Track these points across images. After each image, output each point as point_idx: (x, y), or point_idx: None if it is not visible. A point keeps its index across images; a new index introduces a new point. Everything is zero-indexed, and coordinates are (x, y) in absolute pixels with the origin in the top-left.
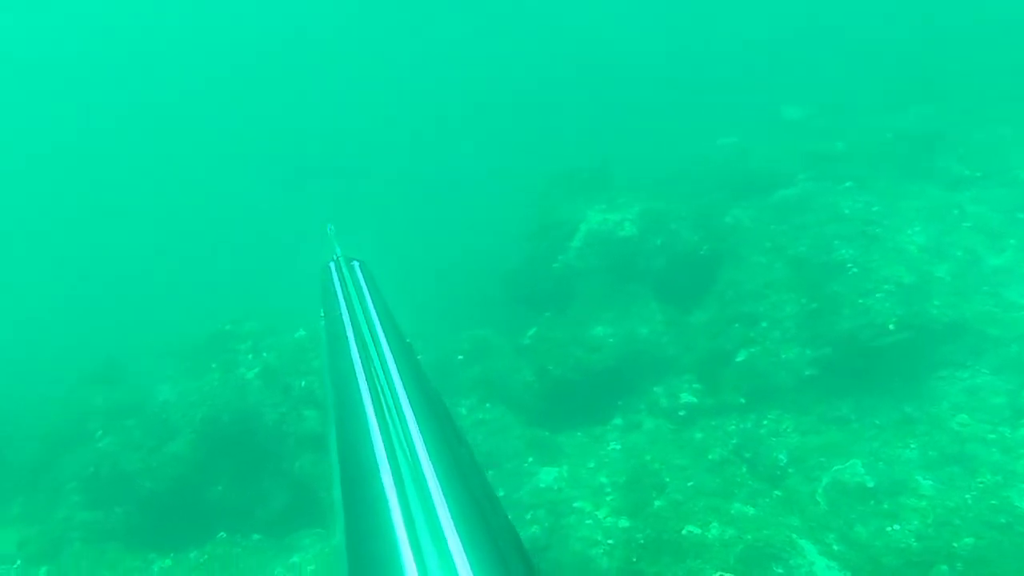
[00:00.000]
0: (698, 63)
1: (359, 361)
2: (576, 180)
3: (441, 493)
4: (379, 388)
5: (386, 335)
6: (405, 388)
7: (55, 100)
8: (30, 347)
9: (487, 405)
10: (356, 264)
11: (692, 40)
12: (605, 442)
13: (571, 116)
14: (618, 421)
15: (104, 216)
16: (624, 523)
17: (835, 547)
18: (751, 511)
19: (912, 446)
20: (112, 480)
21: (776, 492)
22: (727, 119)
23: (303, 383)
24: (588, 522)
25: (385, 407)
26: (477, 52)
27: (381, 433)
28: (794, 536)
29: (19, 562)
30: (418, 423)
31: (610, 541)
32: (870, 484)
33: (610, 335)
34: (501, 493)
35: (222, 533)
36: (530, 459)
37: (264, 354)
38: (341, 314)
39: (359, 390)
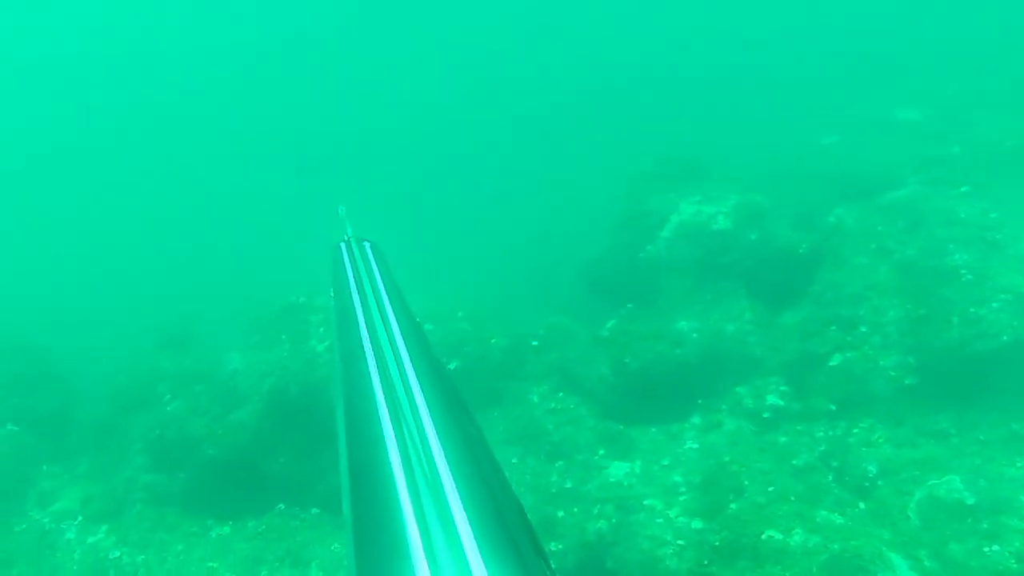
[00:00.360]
0: (801, 60)
1: (367, 339)
2: (667, 171)
3: (450, 473)
4: (387, 366)
5: (396, 314)
6: (414, 366)
7: (81, 95)
8: (107, 311)
9: (560, 394)
10: (367, 244)
11: (795, 36)
12: (681, 440)
13: (659, 109)
14: (696, 420)
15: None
16: (697, 524)
17: (927, 564)
18: (839, 520)
19: (1019, 464)
20: (177, 444)
21: (862, 504)
22: (830, 118)
23: None
24: (658, 521)
25: (393, 385)
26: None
27: (389, 412)
28: (884, 549)
29: (80, 519)
30: (427, 402)
31: (680, 542)
32: (969, 501)
33: (694, 331)
34: (568, 484)
35: (281, 505)
36: (601, 452)
37: None
38: (351, 293)
39: (367, 368)
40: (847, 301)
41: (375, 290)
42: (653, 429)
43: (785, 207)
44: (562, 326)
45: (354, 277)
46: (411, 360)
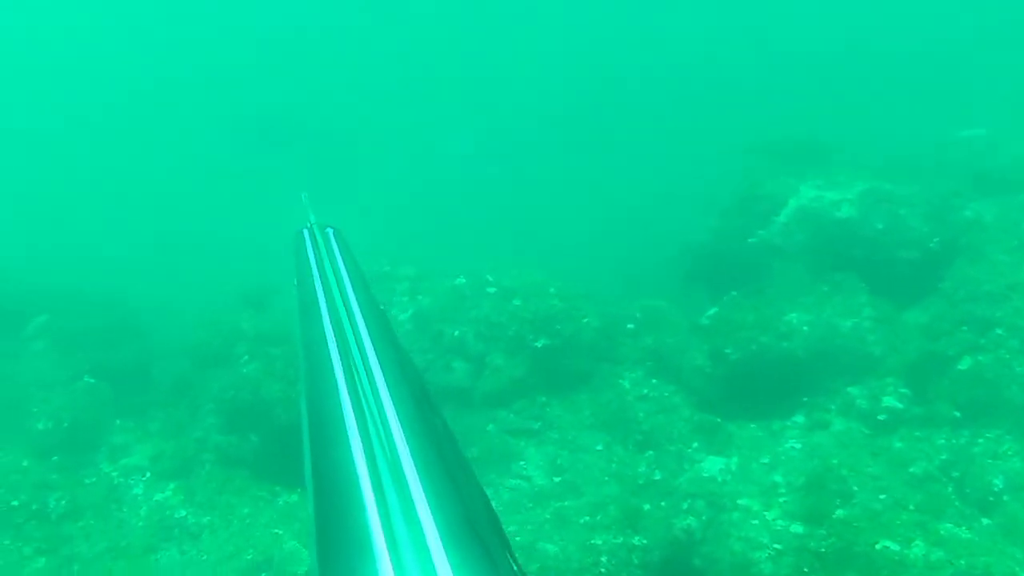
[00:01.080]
0: (949, 45)
1: (330, 327)
2: (786, 152)
3: (415, 469)
4: (352, 356)
5: (359, 301)
6: (379, 357)
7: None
8: (189, 271)
9: (654, 381)
10: (330, 231)
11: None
12: (783, 438)
13: (772, 87)
14: (800, 418)
15: None
16: (797, 528)
17: None
18: (965, 534)
19: None
20: (250, 407)
21: (985, 519)
22: (973, 108)
23: (456, 332)
24: (754, 522)
25: (357, 377)
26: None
27: (352, 401)
28: (1019, 571)
29: (149, 475)
30: (391, 395)
31: (777, 546)
32: None
33: (805, 324)
34: (657, 476)
35: None
36: (695, 444)
37: (420, 297)
38: (313, 280)
39: (330, 359)
40: (983, 300)
41: (338, 277)
42: (752, 425)
43: (916, 198)
44: (660, 310)
45: (316, 264)
46: (375, 350)
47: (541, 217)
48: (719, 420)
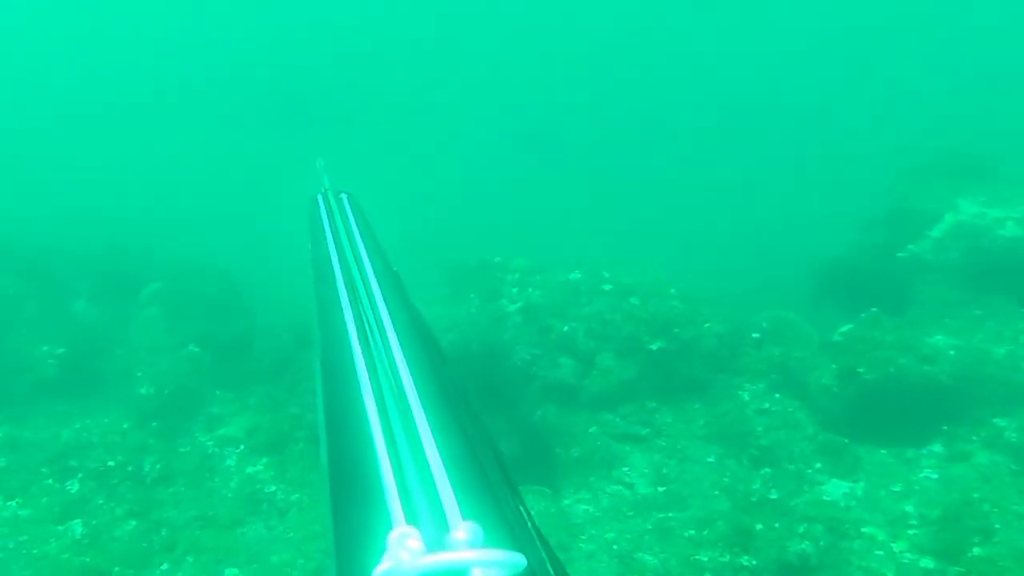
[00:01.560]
0: None
1: (343, 286)
2: (945, 165)
3: (425, 417)
4: (363, 312)
5: (371, 261)
6: (390, 313)
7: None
8: (298, 248)
9: (776, 395)
10: (344, 196)
11: None
12: (918, 467)
13: (925, 98)
14: (938, 448)
15: None
16: (928, 563)
17: None
18: None
19: None
20: None
21: None
22: None
23: (566, 328)
24: (878, 552)
25: (369, 333)
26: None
27: (363, 354)
28: None
29: (243, 448)
30: (402, 347)
31: None
32: None
33: (952, 348)
34: (773, 495)
35: None
36: (817, 465)
37: (530, 290)
38: (327, 242)
39: (343, 314)
40: None
41: (351, 239)
42: (883, 451)
43: None
44: (789, 321)
45: (330, 227)
46: (387, 307)
47: (664, 216)
48: (846, 442)
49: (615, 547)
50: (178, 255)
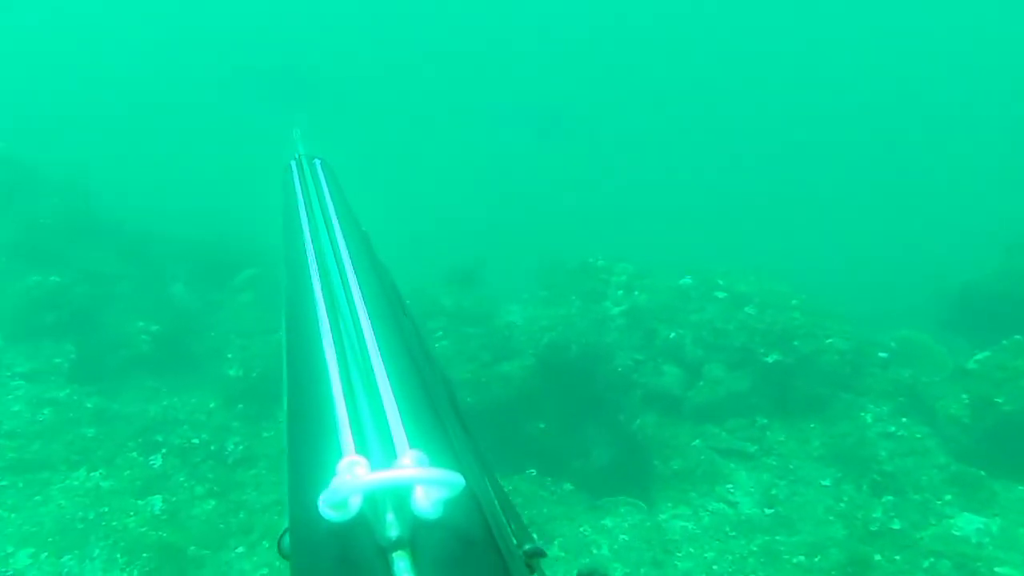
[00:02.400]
0: None
1: (311, 243)
2: None
3: (379, 353)
4: (327, 265)
5: (340, 220)
6: (354, 266)
7: None
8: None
9: (903, 419)
10: (317, 161)
11: None
12: None
13: None
14: None
15: None
16: None
17: None
18: None
19: None
20: None
21: None
22: None
23: (673, 334)
24: None
25: (332, 282)
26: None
27: (326, 300)
28: None
29: None
30: (363, 293)
31: None
32: None
33: None
34: (896, 525)
35: (532, 470)
36: (948, 497)
37: (636, 293)
38: (297, 201)
39: (308, 268)
40: None
41: (320, 197)
42: (1021, 487)
43: None
44: (921, 343)
45: (301, 187)
46: (352, 259)
47: (784, 224)
48: (982, 474)
49: (715, 567)
50: (274, 244)
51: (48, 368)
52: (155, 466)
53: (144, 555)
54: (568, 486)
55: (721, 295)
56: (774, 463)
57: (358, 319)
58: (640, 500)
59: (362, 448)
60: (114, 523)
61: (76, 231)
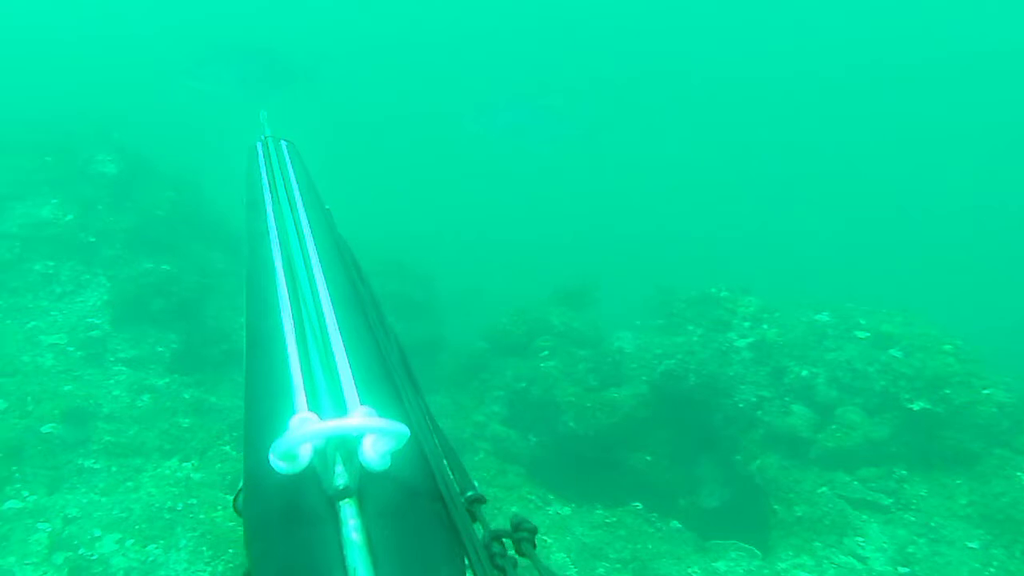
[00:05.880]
0: None
1: (273, 218)
2: None
3: (335, 321)
4: (288, 239)
5: (302, 194)
6: (315, 240)
7: None
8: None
9: None
10: (283, 143)
11: None
12: None
13: None
14: None
15: None
16: None
17: None
18: None
19: None
20: (539, 405)
21: None
22: None
23: (804, 372)
24: None
25: (292, 255)
26: None
27: (284, 268)
28: None
29: None
30: (321, 262)
31: None
32: None
33: None
34: None
35: (638, 504)
36: None
37: (765, 327)
38: (262, 180)
39: (268, 232)
40: None
41: (284, 175)
42: None
43: None
44: None
45: (266, 167)
46: (312, 230)
47: (933, 260)
48: None
49: None
50: (384, 254)
51: (150, 356)
52: None
53: (230, 550)
54: (675, 524)
55: (862, 335)
56: (912, 519)
57: (316, 287)
58: (754, 546)
59: (315, 405)
60: (202, 516)
61: (188, 225)
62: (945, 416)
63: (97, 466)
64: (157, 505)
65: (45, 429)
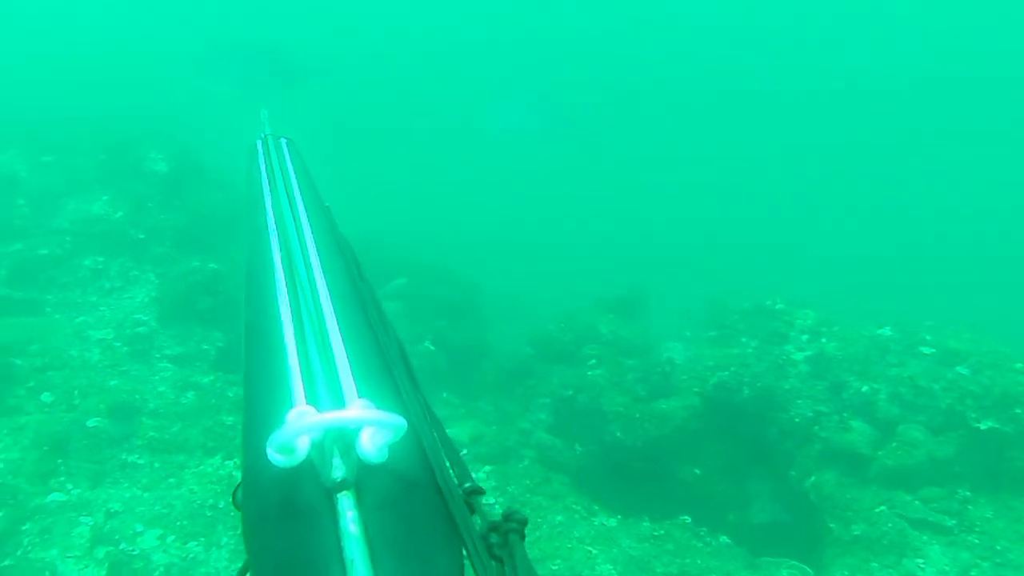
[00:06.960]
0: None
1: (272, 214)
2: None
3: (334, 316)
4: (287, 234)
5: (301, 191)
6: (314, 236)
7: None
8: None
9: None
10: (283, 140)
11: None
12: None
13: None
14: None
15: None
16: None
17: None
18: None
19: None
20: (585, 413)
21: None
22: None
23: (865, 388)
24: None
25: (291, 249)
26: None
27: (283, 264)
28: None
29: (464, 452)
30: (320, 257)
31: None
32: None
33: None
34: None
35: (687, 518)
36: None
37: (824, 340)
38: (261, 177)
39: (268, 229)
40: None
41: (284, 172)
42: None
43: None
44: None
45: (266, 164)
46: (311, 227)
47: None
48: None
49: None
50: (426, 257)
51: (196, 353)
52: None
53: None
54: (724, 539)
55: (927, 351)
56: (976, 541)
57: (315, 282)
58: (806, 564)
59: (312, 399)
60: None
61: (234, 225)
62: (1015, 436)
63: (140, 461)
64: (199, 502)
65: (91, 423)
